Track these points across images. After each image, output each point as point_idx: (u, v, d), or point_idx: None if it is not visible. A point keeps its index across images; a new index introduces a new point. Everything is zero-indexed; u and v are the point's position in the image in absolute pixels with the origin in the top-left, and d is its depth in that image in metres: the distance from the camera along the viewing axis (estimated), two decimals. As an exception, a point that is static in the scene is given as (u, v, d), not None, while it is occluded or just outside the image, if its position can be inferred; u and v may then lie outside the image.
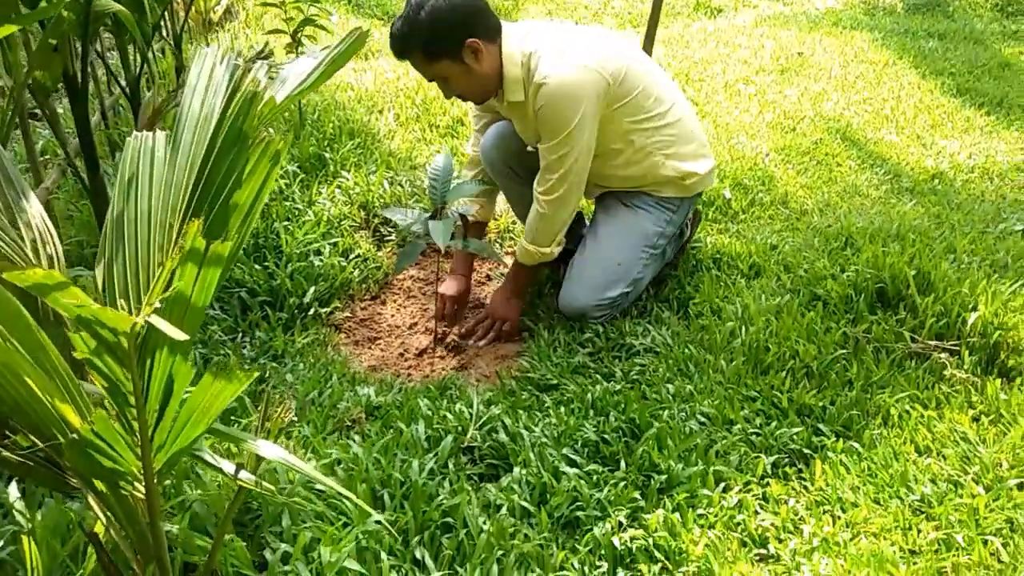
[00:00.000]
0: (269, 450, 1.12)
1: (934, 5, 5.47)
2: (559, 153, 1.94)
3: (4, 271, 0.64)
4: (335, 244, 2.39)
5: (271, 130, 1.17)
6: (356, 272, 2.36)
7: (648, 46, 3.12)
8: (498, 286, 2.30)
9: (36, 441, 1.11)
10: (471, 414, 1.73)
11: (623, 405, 1.76)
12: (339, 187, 2.62)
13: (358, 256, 2.41)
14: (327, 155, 2.76)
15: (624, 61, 1.97)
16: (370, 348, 2.19)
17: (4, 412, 1.05)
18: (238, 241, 1.15)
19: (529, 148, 2.13)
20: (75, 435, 1.00)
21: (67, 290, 0.70)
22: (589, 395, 1.79)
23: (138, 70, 2.63)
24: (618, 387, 1.85)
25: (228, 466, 1.13)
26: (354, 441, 1.65)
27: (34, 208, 1.22)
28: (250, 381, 1.01)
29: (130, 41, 2.51)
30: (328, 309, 2.22)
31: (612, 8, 6.17)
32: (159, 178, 1.20)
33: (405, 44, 1.90)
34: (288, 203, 2.47)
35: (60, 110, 2.81)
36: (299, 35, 2.82)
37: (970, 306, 1.98)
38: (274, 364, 1.94)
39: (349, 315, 2.28)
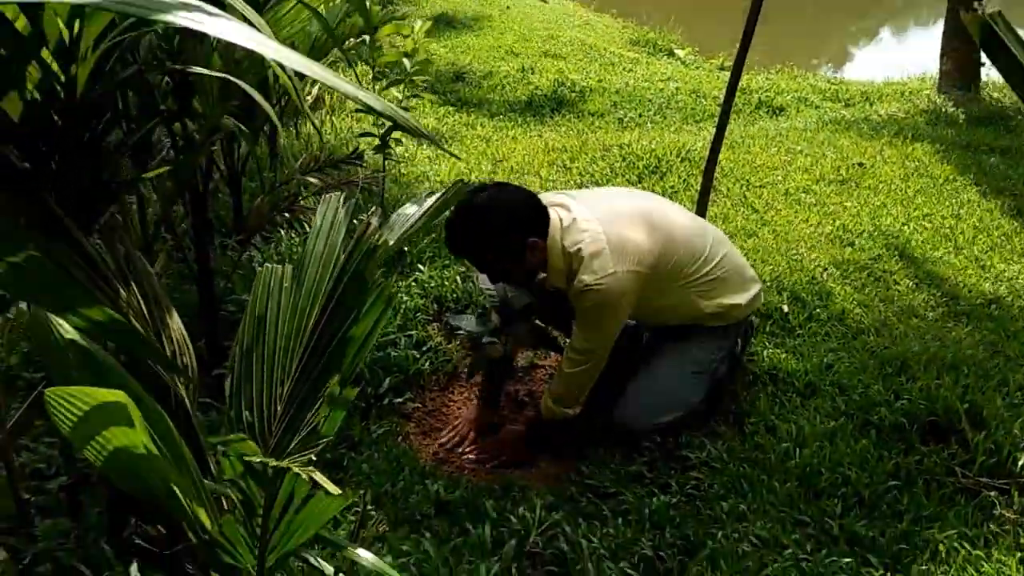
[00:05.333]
0: (365, 557, 1.26)
1: (997, 118, 5.55)
2: (589, 343, 2.08)
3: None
4: (410, 336, 2.56)
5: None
6: (428, 364, 2.52)
7: (713, 157, 3.26)
8: (519, 424, 2.34)
9: (162, 532, 1.27)
10: (533, 519, 1.85)
11: (678, 520, 1.86)
12: (415, 280, 2.81)
13: (430, 348, 2.57)
14: (406, 249, 2.95)
15: (660, 238, 2.08)
16: (437, 439, 2.33)
17: (144, 507, 1.21)
18: (352, 368, 1.31)
19: None
20: (207, 535, 1.16)
21: (245, 443, 0.87)
22: (647, 508, 1.89)
23: (242, 162, 2.89)
24: (674, 500, 1.95)
25: (328, 568, 1.28)
26: (424, 537, 1.78)
27: (175, 324, 1.41)
28: (353, 498, 1.16)
29: (236, 139, 2.77)
30: (401, 399, 2.38)
31: (676, 103, 6.38)
32: (285, 307, 1.37)
33: (466, 248, 2.05)
34: (369, 295, 2.65)
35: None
36: (388, 138, 3.05)
37: (1021, 445, 2.03)
38: (352, 454, 2.09)
39: (419, 405, 2.43)
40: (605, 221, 2.07)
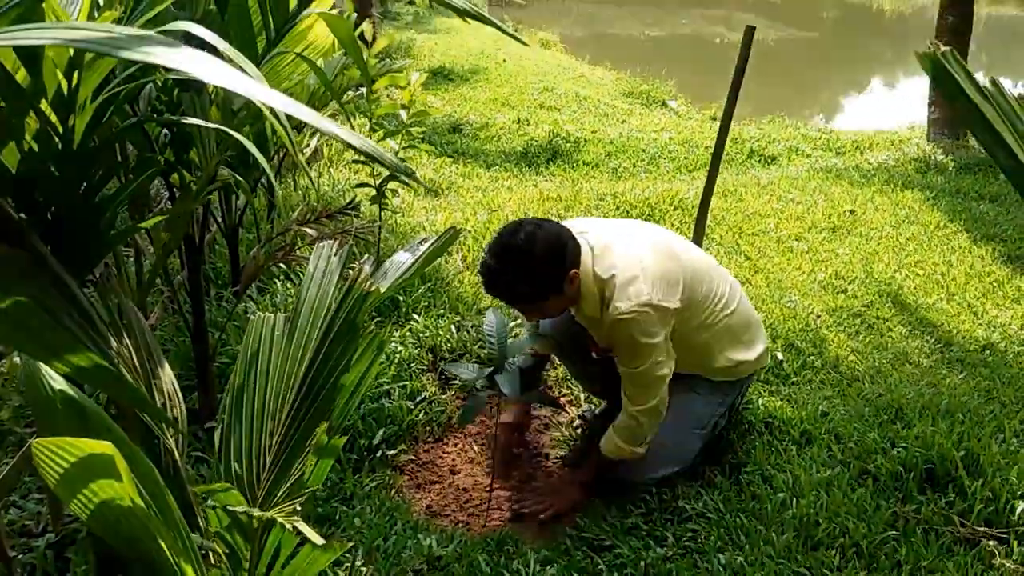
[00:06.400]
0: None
1: (986, 165, 5.63)
2: (640, 371, 2.01)
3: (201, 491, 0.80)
4: (404, 386, 2.55)
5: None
6: (422, 415, 2.50)
7: (705, 204, 3.31)
8: (578, 468, 2.30)
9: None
10: (528, 573, 1.81)
11: (675, 573, 1.83)
12: (410, 330, 2.81)
13: (424, 399, 2.56)
14: (400, 298, 2.96)
15: (686, 270, 2.08)
16: (430, 492, 2.30)
17: (130, 563, 1.19)
18: (342, 417, 1.31)
19: (594, 354, 2.26)
20: (192, 592, 1.13)
21: (230, 493, 0.86)
22: (643, 561, 1.86)
23: (239, 214, 2.92)
24: (670, 553, 1.92)
25: (316, 625, 1.25)
26: (417, 593, 1.74)
27: (166, 375, 1.41)
28: (343, 551, 1.15)
29: (234, 190, 2.80)
30: (394, 451, 2.35)
31: (669, 153, 6.47)
32: (277, 355, 1.37)
33: (509, 288, 1.98)
34: (363, 345, 2.65)
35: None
36: (383, 188, 3.08)
37: (1019, 493, 2.02)
38: (344, 507, 2.06)
39: (412, 457, 2.41)
40: (634, 248, 2.07)
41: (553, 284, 1.98)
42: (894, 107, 9.28)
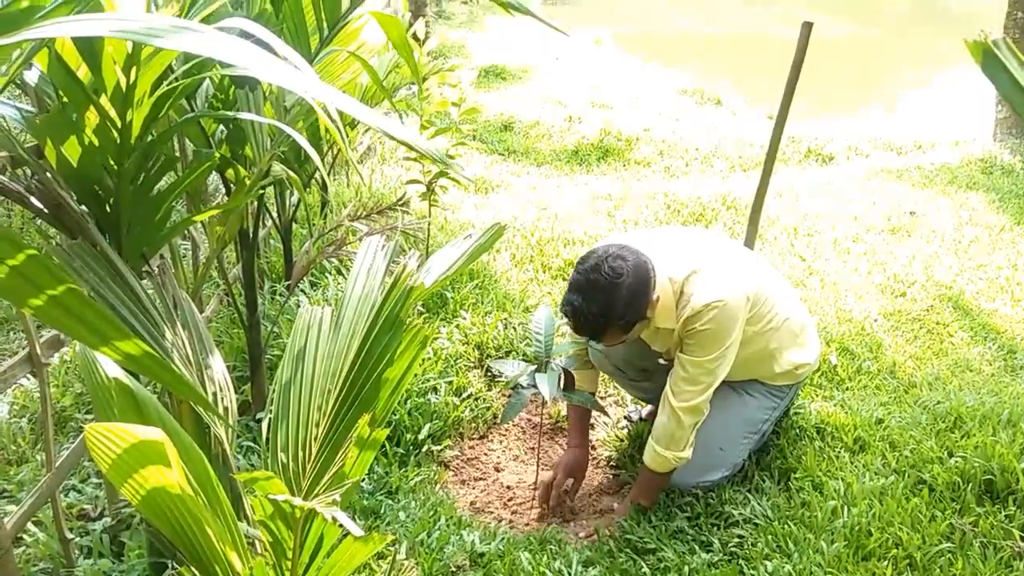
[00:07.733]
0: (395, 607, 1.24)
1: (1056, 167, 5.42)
2: (708, 368, 1.97)
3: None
4: (450, 382, 2.56)
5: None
6: (468, 411, 2.51)
7: (758, 204, 3.24)
8: (626, 496, 2.20)
9: (196, 574, 1.27)
10: (570, 574, 1.80)
11: (720, 579, 1.80)
12: (457, 327, 2.82)
13: (470, 395, 2.57)
14: (449, 295, 2.97)
15: (749, 270, 2.09)
16: (475, 488, 2.31)
17: (179, 548, 1.21)
18: (386, 410, 1.32)
19: (661, 360, 2.19)
20: (237, 578, 1.16)
21: (272, 481, 0.87)
22: (687, 566, 1.83)
23: (293, 210, 2.96)
24: (716, 559, 1.89)
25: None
26: (459, 589, 1.75)
27: (217, 365, 1.44)
28: (384, 544, 1.15)
29: (288, 186, 2.85)
30: (440, 447, 2.37)
31: (723, 151, 6.37)
32: (323, 349, 1.39)
33: (604, 328, 1.91)
34: (411, 340, 2.67)
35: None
36: (433, 185, 3.10)
37: (1087, 508, 1.93)
38: (389, 500, 2.08)
39: (458, 453, 2.42)
40: (700, 248, 2.10)
41: (643, 310, 1.93)
42: (959, 106, 8.97)
